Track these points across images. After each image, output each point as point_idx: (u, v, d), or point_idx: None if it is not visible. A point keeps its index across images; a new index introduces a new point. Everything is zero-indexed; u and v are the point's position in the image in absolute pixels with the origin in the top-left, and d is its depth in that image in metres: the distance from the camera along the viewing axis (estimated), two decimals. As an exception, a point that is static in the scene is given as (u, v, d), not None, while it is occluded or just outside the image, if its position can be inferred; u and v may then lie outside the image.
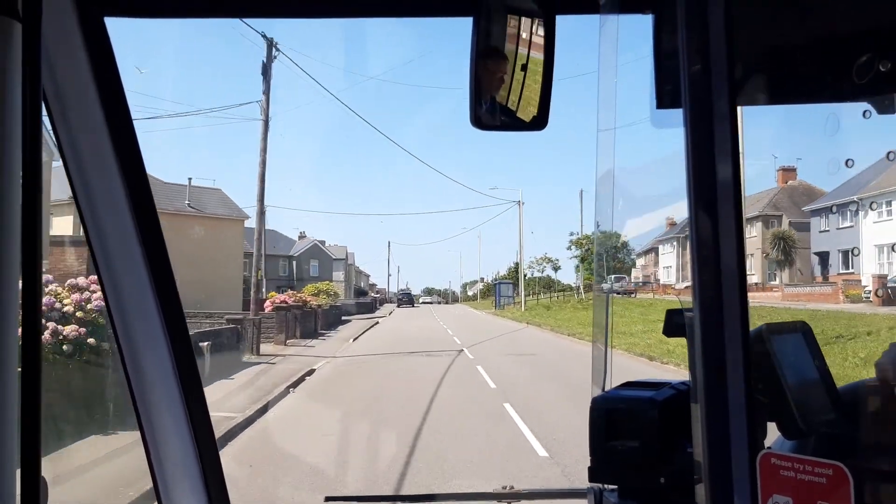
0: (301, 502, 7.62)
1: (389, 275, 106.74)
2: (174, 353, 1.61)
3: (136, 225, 1.54)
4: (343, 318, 43.18)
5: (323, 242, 75.34)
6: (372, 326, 38.29)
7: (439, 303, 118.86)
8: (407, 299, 77.86)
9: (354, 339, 29.12)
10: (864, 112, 1.41)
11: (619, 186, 1.38)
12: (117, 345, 1.60)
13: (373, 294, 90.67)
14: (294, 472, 8.65)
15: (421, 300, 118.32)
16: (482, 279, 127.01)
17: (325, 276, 65.24)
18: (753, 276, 42.02)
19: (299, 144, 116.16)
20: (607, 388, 1.48)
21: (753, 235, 43.75)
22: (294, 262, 70.53)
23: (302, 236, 74.08)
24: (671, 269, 55.84)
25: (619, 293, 43.06)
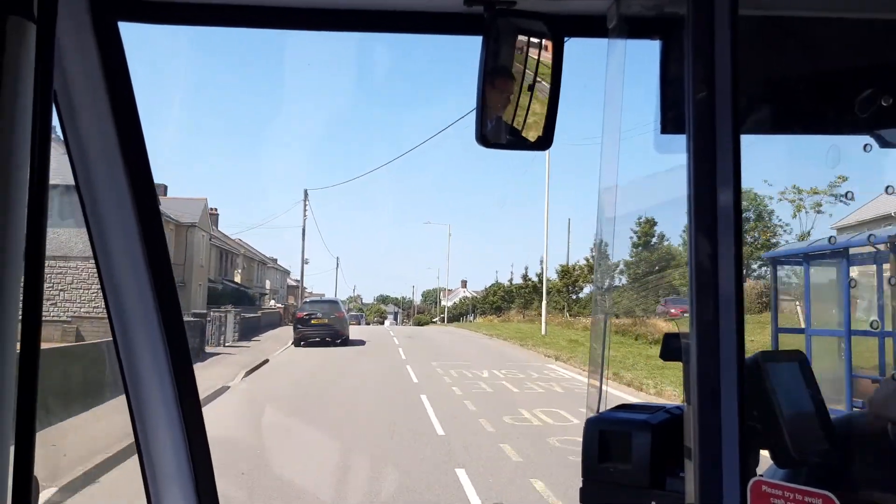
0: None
1: (306, 261, 51.55)
2: (170, 354, 1.61)
3: (139, 227, 1.55)
4: None
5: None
6: None
7: (394, 315, 77.01)
8: (323, 328, 27.43)
9: None
10: (865, 146, 1.43)
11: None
12: (115, 345, 1.60)
13: (273, 304, 53.01)
14: None
15: (387, 320, 74.09)
16: (464, 282, 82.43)
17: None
18: None
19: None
20: (601, 410, 1.48)
21: None
22: None
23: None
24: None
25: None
